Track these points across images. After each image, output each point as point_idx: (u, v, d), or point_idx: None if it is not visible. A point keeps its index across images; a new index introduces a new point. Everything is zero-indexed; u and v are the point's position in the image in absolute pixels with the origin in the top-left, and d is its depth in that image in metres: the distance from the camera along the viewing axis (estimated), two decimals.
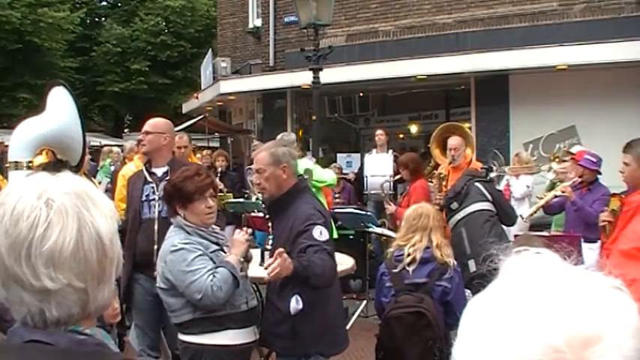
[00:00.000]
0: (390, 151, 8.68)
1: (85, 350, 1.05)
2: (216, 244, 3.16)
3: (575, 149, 7.27)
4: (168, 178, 3.64)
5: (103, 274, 1.07)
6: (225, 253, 3.18)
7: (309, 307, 3.08)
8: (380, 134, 8.96)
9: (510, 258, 0.73)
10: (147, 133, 4.26)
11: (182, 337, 3.12)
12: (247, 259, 3.37)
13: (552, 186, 6.49)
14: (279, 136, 6.40)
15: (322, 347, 3.26)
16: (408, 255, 3.59)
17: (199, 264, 2.98)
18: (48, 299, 1.03)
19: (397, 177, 7.46)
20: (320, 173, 6.30)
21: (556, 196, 5.72)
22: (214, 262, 3.04)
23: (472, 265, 4.93)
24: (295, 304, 3.06)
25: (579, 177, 5.73)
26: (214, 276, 2.95)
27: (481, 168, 6.26)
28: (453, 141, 6.17)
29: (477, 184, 5.37)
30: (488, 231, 5.09)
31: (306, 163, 6.21)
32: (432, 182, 6.64)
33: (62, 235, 1.01)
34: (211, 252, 3.08)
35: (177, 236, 3.08)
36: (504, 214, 5.33)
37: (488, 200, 5.29)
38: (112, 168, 8.96)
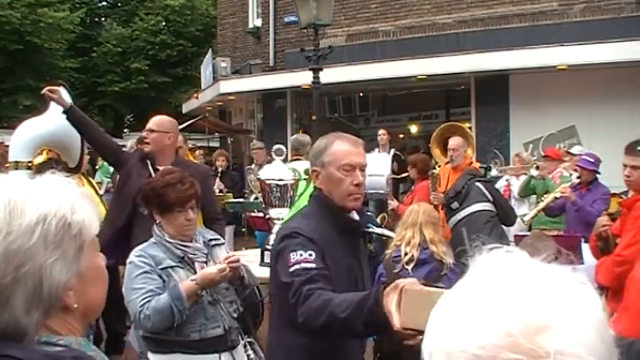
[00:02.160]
0: (392, 150, 8.66)
1: None
2: (182, 258, 2.81)
3: (575, 149, 7.27)
4: None
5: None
6: (191, 267, 2.82)
7: None
8: (382, 134, 8.96)
9: (481, 255, 0.77)
10: (151, 131, 4.14)
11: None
12: (244, 283, 2.93)
13: (528, 183, 6.51)
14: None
15: None
16: (405, 254, 3.60)
17: (140, 283, 2.68)
18: None
19: (403, 175, 7.47)
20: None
21: (556, 198, 5.71)
22: (164, 280, 2.73)
23: None
24: None
25: (577, 177, 5.73)
26: (149, 301, 2.64)
27: (479, 167, 6.25)
28: (454, 141, 6.17)
29: (478, 183, 5.37)
30: (489, 232, 5.08)
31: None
32: None
33: None
34: (162, 268, 2.74)
35: (139, 247, 2.85)
36: (504, 214, 5.33)
37: (488, 200, 5.29)
38: (112, 168, 8.95)
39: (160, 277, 2.72)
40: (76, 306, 1.08)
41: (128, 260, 2.80)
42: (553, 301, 0.68)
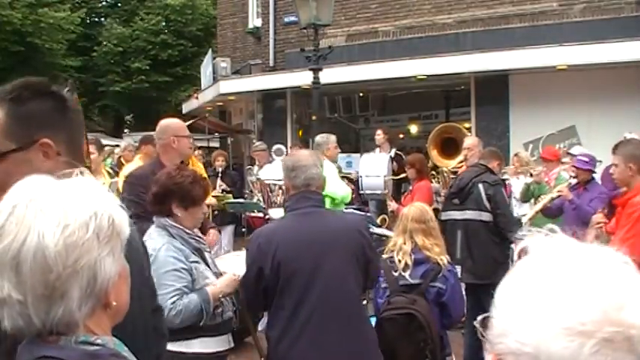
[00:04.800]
0: (393, 150, 8.60)
1: None
2: (197, 249, 3.02)
3: (575, 150, 7.27)
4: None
5: (47, 290, 0.99)
6: (206, 258, 3.07)
7: None
8: (378, 134, 8.86)
9: (531, 240, 0.87)
10: (182, 137, 4.07)
11: None
12: None
13: (527, 189, 6.50)
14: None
15: None
16: (399, 261, 3.61)
17: (169, 280, 2.81)
18: (2, 307, 1.00)
19: (402, 176, 7.46)
20: (332, 187, 5.69)
21: (553, 198, 5.71)
22: (191, 276, 2.89)
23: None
24: None
25: (575, 177, 5.74)
26: (179, 298, 2.80)
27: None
28: (469, 140, 6.12)
29: (480, 185, 5.16)
30: (489, 242, 5.04)
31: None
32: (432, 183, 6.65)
33: (8, 243, 0.98)
34: (191, 262, 2.93)
35: (160, 239, 2.92)
36: (505, 221, 5.09)
37: (486, 210, 5.13)
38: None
39: (189, 272, 2.88)
40: (114, 303, 1.10)
41: (153, 253, 2.82)
42: (623, 282, 0.79)
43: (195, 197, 2.98)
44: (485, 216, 5.10)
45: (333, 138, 6.34)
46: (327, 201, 5.73)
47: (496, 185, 5.26)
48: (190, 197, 2.97)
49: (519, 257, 0.87)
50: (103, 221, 1.05)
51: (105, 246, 1.04)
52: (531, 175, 6.46)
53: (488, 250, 5.08)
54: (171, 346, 2.81)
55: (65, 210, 1.01)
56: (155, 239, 2.92)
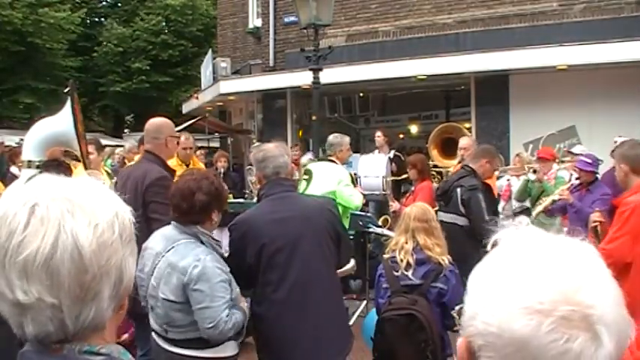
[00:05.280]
0: (392, 151, 8.61)
1: None
2: (222, 256, 3.03)
3: (576, 149, 7.28)
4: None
5: (82, 291, 0.96)
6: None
7: None
8: (378, 136, 8.87)
9: (502, 232, 0.93)
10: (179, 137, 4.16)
11: (176, 349, 2.93)
12: None
13: (526, 186, 6.52)
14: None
15: None
16: (401, 260, 3.60)
17: (221, 292, 2.83)
18: (24, 313, 0.96)
19: (403, 177, 7.46)
20: (348, 195, 5.67)
21: (555, 201, 5.71)
22: (232, 287, 2.91)
23: None
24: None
25: (577, 179, 5.73)
26: (232, 312, 2.86)
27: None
28: (464, 141, 6.15)
29: (458, 190, 5.16)
30: (470, 245, 5.04)
31: (337, 172, 5.83)
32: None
33: (37, 245, 0.94)
34: (228, 272, 2.95)
35: (197, 248, 2.89)
36: (475, 228, 4.97)
37: (462, 214, 5.10)
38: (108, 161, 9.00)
39: (229, 283, 2.91)
40: (126, 305, 1.08)
41: (199, 263, 2.82)
42: (583, 267, 0.84)
43: (225, 197, 3.07)
44: (461, 220, 5.09)
45: (347, 140, 6.08)
46: (340, 209, 5.72)
47: (472, 190, 5.15)
48: (225, 199, 3.05)
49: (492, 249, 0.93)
50: (124, 221, 1.04)
51: (127, 246, 1.03)
52: (535, 171, 6.45)
53: (464, 253, 5.08)
54: (193, 352, 2.90)
55: (92, 209, 0.99)
56: (194, 249, 2.88)
